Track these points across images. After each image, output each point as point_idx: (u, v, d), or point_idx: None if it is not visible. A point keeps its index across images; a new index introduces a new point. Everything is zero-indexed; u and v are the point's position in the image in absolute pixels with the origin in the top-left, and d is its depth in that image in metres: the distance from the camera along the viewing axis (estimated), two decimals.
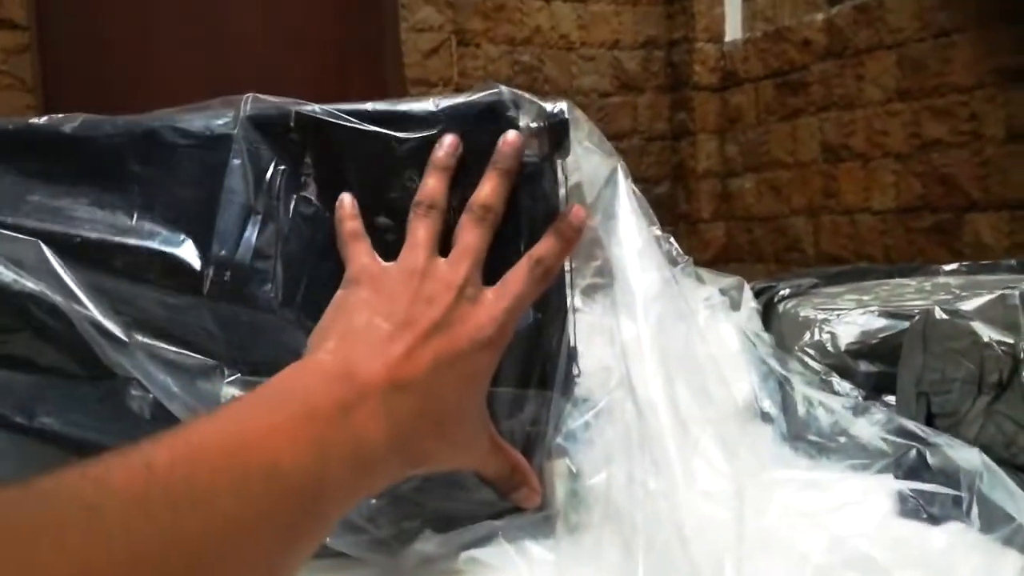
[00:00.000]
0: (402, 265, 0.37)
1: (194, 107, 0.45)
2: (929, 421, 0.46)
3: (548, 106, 0.47)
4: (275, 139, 0.44)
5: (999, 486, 0.39)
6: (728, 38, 2.25)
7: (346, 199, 0.40)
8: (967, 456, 0.41)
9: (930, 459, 0.43)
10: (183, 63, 1.97)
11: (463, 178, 0.43)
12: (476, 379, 0.37)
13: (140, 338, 0.41)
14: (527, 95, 0.46)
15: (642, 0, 2.32)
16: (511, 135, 0.42)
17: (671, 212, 2.26)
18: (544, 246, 0.39)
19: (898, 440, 0.47)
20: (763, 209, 2.14)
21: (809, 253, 2.00)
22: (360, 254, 0.39)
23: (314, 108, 0.44)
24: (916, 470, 0.44)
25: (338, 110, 0.44)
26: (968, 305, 0.46)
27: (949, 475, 0.41)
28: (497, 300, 0.37)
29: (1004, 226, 1.59)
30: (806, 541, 0.38)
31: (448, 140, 0.40)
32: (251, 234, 0.42)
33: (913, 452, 0.44)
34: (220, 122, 0.44)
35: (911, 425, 0.46)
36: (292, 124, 0.44)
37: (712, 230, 2.25)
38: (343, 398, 0.31)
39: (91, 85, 1.90)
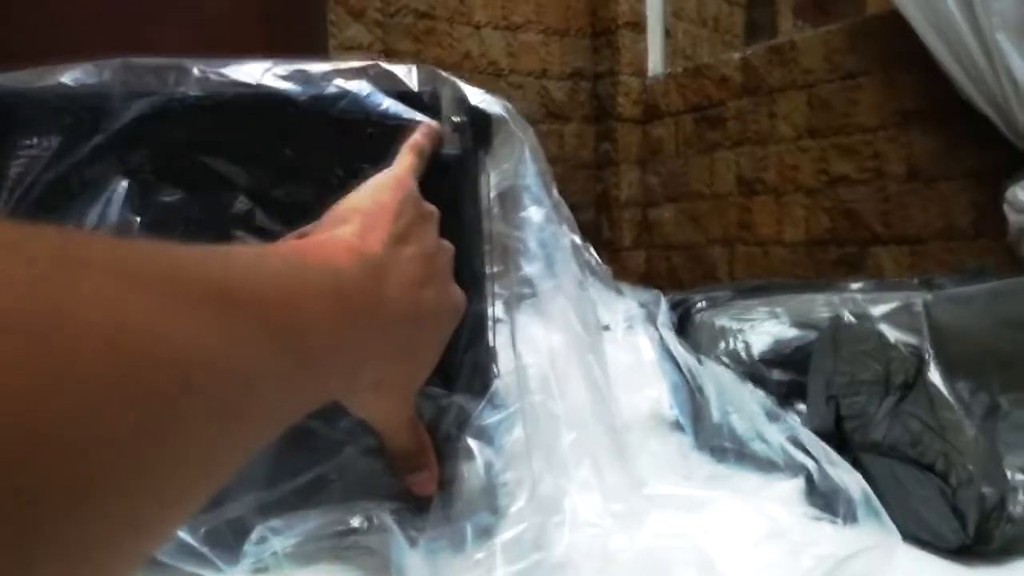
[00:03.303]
0: (428, 211, 0.38)
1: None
2: (838, 424, 0.47)
3: (473, 98, 0.47)
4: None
5: (873, 515, 0.40)
6: (650, 73, 2.32)
7: (435, 124, 0.42)
8: (850, 481, 0.41)
9: (816, 481, 0.44)
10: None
11: (370, 170, 0.41)
12: (440, 340, 0.38)
13: None
14: (453, 81, 0.45)
15: (570, 32, 2.37)
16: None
17: (594, 239, 2.28)
18: None
19: (794, 457, 0.47)
20: (682, 238, 2.20)
21: (724, 281, 2.06)
22: (408, 166, 0.39)
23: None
24: (804, 490, 0.45)
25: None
26: (875, 311, 0.47)
27: (830, 498, 0.42)
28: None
29: (904, 259, 1.67)
30: (678, 563, 0.37)
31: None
32: None
33: (804, 474, 0.45)
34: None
35: (809, 440, 0.46)
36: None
37: (633, 257, 2.29)
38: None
39: None
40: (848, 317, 0.46)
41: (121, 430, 0.15)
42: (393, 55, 2.14)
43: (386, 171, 0.39)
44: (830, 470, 0.41)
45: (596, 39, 2.37)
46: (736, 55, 2.05)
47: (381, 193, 0.36)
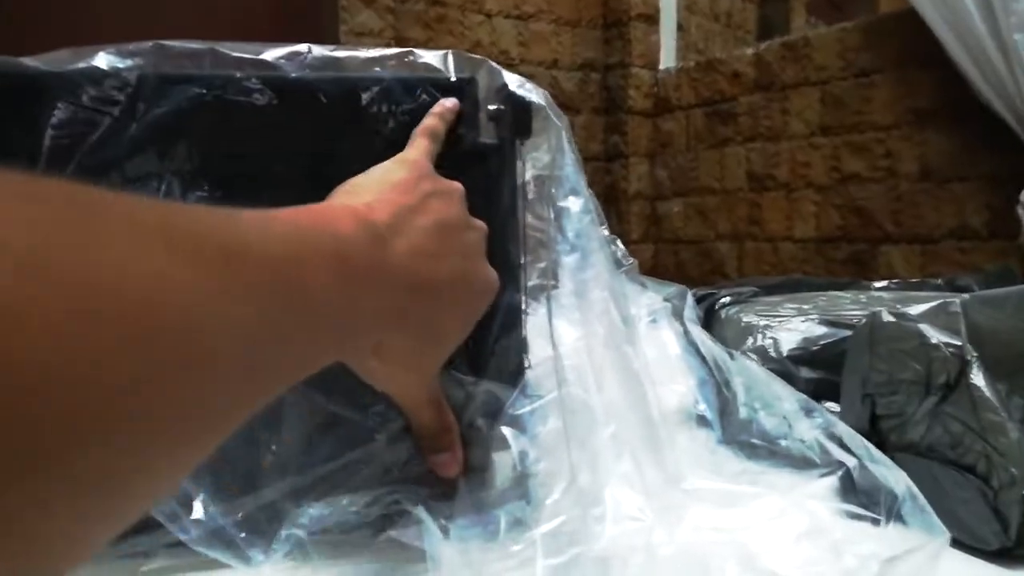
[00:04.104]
0: (448, 187, 0.38)
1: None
2: (873, 423, 0.47)
3: (512, 86, 0.46)
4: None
5: (918, 513, 0.39)
6: (662, 66, 2.30)
7: (448, 103, 0.42)
8: (893, 478, 0.41)
9: (856, 478, 0.43)
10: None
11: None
12: (467, 317, 0.37)
13: None
14: (491, 66, 0.44)
15: (581, 23, 2.36)
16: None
17: None
18: None
19: (831, 453, 0.47)
20: (690, 232, 2.20)
21: (732, 277, 2.06)
22: (423, 149, 0.39)
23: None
24: (842, 488, 0.44)
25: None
26: (913, 310, 0.47)
27: (871, 495, 0.41)
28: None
29: (915, 258, 1.67)
30: (718, 558, 0.37)
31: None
32: None
33: (842, 470, 0.44)
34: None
35: (848, 436, 0.46)
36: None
37: (641, 251, 2.28)
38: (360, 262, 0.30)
39: None
40: (887, 315, 0.45)
41: (125, 372, 0.16)
42: (404, 42, 2.13)
43: (399, 155, 0.39)
44: (872, 467, 0.41)
45: (608, 30, 2.35)
46: (749, 50, 2.04)
47: (392, 173, 0.36)
